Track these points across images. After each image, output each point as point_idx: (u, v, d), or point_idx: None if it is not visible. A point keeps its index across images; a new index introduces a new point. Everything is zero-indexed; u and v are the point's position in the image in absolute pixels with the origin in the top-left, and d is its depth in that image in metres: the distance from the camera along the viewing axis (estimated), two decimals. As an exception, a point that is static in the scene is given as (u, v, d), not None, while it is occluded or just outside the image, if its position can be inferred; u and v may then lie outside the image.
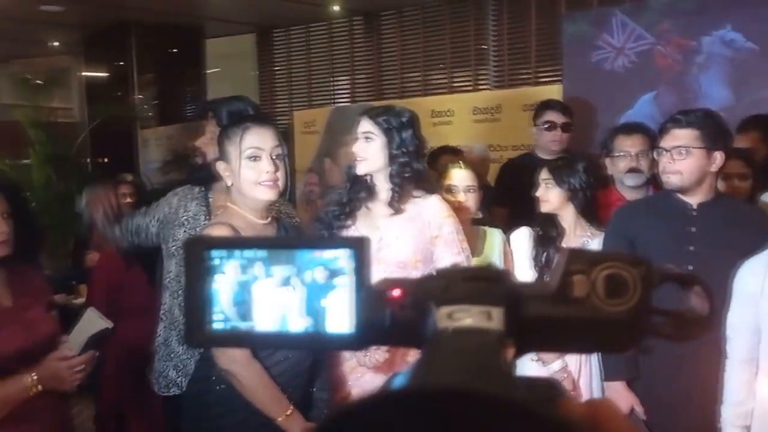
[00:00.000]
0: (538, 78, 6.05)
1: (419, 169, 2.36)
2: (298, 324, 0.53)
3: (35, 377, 1.91)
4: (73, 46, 8.26)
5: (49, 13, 6.85)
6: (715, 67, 4.56)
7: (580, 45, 5.02)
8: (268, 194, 2.01)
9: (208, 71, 8.18)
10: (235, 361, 1.96)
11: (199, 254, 0.53)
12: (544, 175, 2.80)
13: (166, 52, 7.85)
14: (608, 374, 2.59)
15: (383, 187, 2.38)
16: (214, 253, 0.53)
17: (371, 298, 0.50)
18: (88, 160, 7.60)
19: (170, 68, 7.88)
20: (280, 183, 2.01)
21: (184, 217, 2.52)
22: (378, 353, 2.22)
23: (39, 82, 7.30)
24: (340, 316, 0.51)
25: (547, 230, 2.78)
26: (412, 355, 2.34)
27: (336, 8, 7.12)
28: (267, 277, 0.53)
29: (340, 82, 7.65)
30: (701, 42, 4.58)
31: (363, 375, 2.34)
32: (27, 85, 7.16)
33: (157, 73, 7.86)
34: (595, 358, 2.69)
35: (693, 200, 2.46)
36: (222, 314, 0.53)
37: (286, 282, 0.53)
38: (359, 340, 0.51)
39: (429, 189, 2.42)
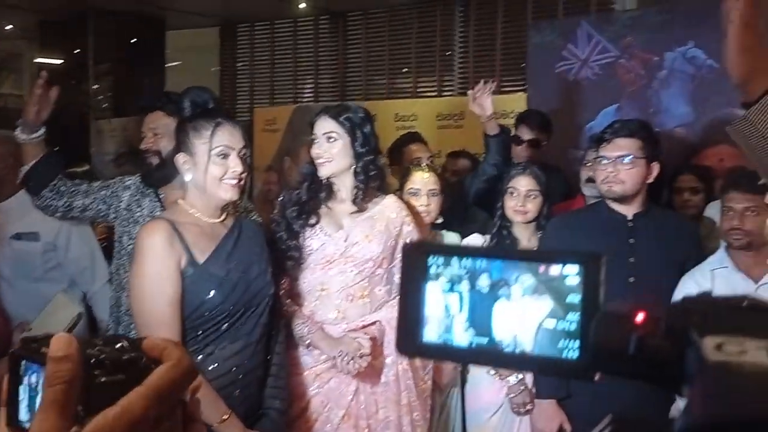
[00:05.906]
0: (502, 86, 6.05)
1: (382, 166, 2.35)
2: (514, 343, 0.49)
3: None
4: (29, 30, 8.00)
5: (3, -6, 6.61)
6: (677, 84, 4.60)
7: (545, 54, 5.03)
8: (230, 193, 1.97)
9: (168, 64, 7.99)
10: None
11: (417, 260, 0.50)
12: (528, 185, 2.75)
13: (126, 41, 7.64)
14: (540, 393, 2.58)
15: (344, 186, 2.33)
16: (431, 259, 0.50)
17: (610, 321, 0.44)
18: (38, 149, 7.34)
19: (129, 59, 7.67)
20: (243, 183, 1.98)
21: (139, 214, 2.47)
22: (362, 360, 2.16)
23: (-11, 65, 7.04)
24: (560, 339, 0.47)
25: (502, 239, 2.74)
26: (402, 364, 2.30)
27: (302, 5, 7.03)
28: (485, 289, 0.50)
29: (303, 81, 7.56)
30: (664, 57, 4.62)
31: (328, 381, 2.28)
32: (-23, 69, 6.90)
33: (114, 62, 7.64)
34: None
35: (628, 211, 2.48)
36: (435, 326, 0.51)
37: (504, 295, 0.49)
38: (588, 367, 0.45)
39: (384, 188, 2.43)
